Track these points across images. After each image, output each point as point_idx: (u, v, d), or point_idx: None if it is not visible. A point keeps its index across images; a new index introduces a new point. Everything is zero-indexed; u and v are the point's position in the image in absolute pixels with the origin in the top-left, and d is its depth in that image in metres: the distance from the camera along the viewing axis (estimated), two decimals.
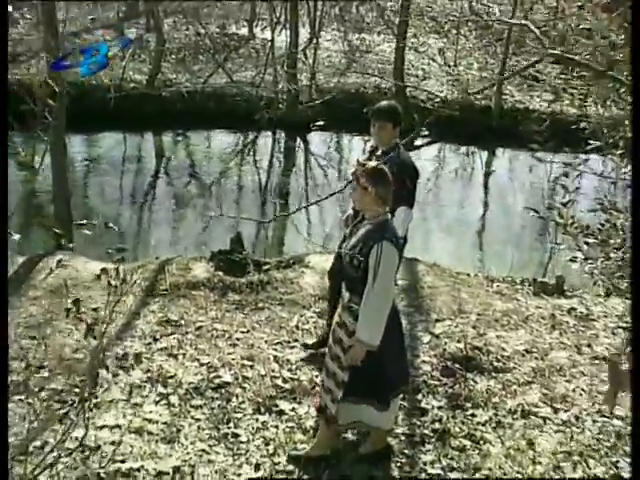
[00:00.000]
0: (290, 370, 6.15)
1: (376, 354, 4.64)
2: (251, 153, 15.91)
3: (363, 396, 4.84)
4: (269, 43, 18.19)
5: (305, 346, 6.47)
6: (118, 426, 5.43)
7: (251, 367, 6.19)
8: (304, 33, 18.29)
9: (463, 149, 16.51)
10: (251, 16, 20.57)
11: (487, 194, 14.94)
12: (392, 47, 20.12)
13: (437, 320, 7.04)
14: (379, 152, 5.85)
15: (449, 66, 19.07)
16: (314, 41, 18.75)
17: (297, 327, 6.83)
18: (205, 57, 18.17)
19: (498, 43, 21.12)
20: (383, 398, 4.84)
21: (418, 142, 15.85)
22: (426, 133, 15.73)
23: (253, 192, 13.77)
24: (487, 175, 15.81)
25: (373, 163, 4.80)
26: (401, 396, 5.27)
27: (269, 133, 16.27)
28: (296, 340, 6.60)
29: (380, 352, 4.64)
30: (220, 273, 7.65)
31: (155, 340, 6.55)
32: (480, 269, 9.64)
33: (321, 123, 15.71)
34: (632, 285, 3.48)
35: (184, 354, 6.33)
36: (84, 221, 10.41)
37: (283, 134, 16.39)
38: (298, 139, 16.22)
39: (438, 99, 16.37)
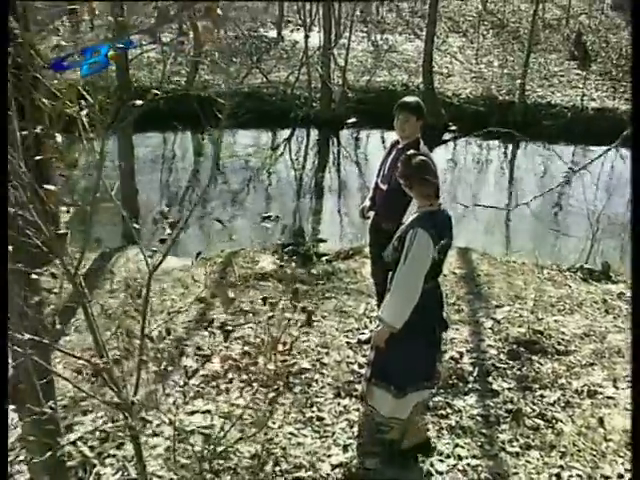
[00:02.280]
0: (364, 356, 6.16)
1: (401, 342, 4.60)
2: (287, 150, 15.86)
3: (381, 379, 4.80)
4: (298, 44, 18.26)
5: (360, 342, 6.45)
6: (208, 411, 5.46)
7: (326, 354, 6.22)
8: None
9: (487, 143, 16.39)
10: (279, 18, 20.55)
11: (511, 185, 14.86)
12: (414, 46, 20.15)
13: (497, 306, 7.04)
14: (400, 146, 5.79)
15: (470, 63, 19.00)
16: (339, 41, 18.75)
17: (365, 315, 6.85)
18: (239, 59, 18.17)
19: (515, 41, 21.12)
20: (400, 387, 4.76)
21: (445, 137, 15.89)
22: (453, 128, 15.80)
23: (285, 186, 13.72)
24: (511, 168, 15.73)
25: (420, 157, 4.64)
26: (428, 392, 5.04)
27: (304, 130, 16.26)
28: (365, 327, 6.63)
29: (405, 341, 4.60)
30: (285, 265, 7.68)
31: (231, 330, 6.56)
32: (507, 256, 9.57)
33: (354, 120, 15.77)
34: (632, 284, 3.45)
35: (262, 342, 6.35)
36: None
37: (317, 131, 16.34)
38: (332, 136, 16.19)
39: (463, 95, 16.42)
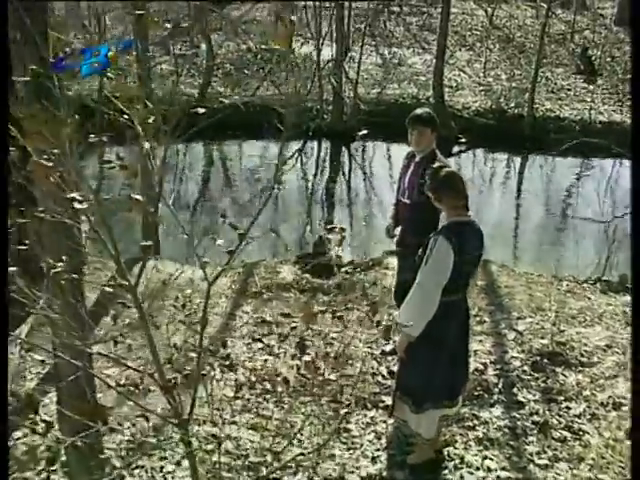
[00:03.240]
0: (388, 367, 6.10)
1: (422, 357, 4.59)
2: (298, 161, 15.80)
3: (403, 392, 4.78)
4: (308, 57, 18.26)
5: (383, 353, 6.39)
6: (234, 422, 5.39)
7: (351, 365, 6.16)
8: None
9: (496, 156, 16.32)
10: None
11: (519, 197, 14.77)
12: (422, 60, 20.13)
13: (519, 318, 6.98)
14: (417, 159, 5.74)
15: (479, 77, 18.97)
16: (349, 54, 18.78)
17: (388, 326, 6.78)
18: (250, 71, 18.15)
19: (521, 55, 21.10)
20: (417, 401, 4.73)
21: (455, 149, 15.85)
22: (463, 140, 15.77)
23: (297, 197, 13.68)
24: (519, 180, 15.65)
25: (447, 169, 4.60)
26: (449, 410, 4.94)
27: (315, 142, 16.21)
28: (389, 338, 6.55)
29: (425, 356, 4.59)
30: (307, 275, 7.62)
31: (254, 340, 6.52)
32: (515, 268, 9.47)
33: (365, 132, 15.70)
34: (632, 285, 3.41)
35: (285, 353, 6.30)
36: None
37: (329, 143, 16.29)
38: (343, 148, 16.15)
39: (473, 108, 16.42)
